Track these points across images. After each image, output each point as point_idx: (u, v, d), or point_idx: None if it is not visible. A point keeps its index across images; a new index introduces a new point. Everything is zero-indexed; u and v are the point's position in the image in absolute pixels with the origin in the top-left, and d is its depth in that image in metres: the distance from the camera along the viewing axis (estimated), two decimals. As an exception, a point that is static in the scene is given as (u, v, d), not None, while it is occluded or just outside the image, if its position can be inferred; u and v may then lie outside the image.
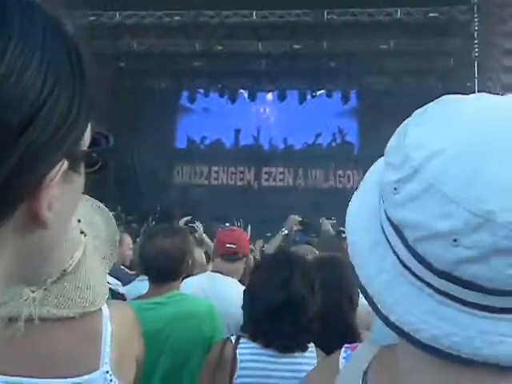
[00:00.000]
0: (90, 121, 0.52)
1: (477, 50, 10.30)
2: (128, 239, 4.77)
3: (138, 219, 13.05)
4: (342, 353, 0.82)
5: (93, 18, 11.28)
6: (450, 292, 0.58)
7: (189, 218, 7.67)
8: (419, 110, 0.65)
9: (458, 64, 12.05)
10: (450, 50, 12.01)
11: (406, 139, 0.62)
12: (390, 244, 0.63)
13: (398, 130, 0.66)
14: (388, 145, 0.67)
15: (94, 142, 0.55)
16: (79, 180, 0.53)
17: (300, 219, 4.60)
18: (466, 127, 0.59)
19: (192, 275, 2.90)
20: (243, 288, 2.99)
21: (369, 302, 0.65)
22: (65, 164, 0.47)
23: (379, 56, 12.44)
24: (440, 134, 0.59)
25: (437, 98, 0.65)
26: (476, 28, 10.41)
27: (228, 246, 2.91)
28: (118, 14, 11.34)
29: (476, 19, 10.40)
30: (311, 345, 1.94)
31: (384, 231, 0.64)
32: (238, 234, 3.10)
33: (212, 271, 2.98)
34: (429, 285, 0.59)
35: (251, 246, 7.11)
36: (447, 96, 0.65)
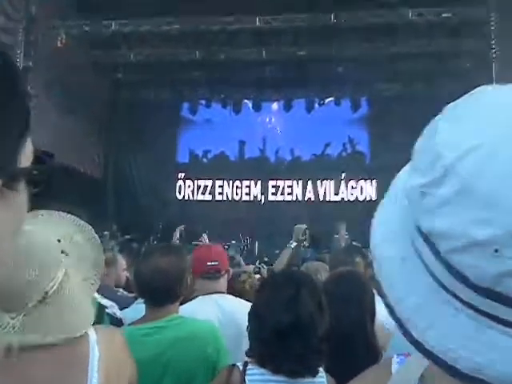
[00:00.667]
0: (26, 137, 0.52)
1: (494, 50, 10.28)
2: (121, 259, 4.76)
3: (139, 238, 13.06)
4: (395, 358, 0.80)
5: (87, 28, 11.37)
6: (492, 312, 0.53)
7: (182, 226, 7.64)
8: (450, 104, 0.61)
9: (474, 66, 12.03)
10: (465, 51, 12.00)
11: (437, 137, 0.58)
12: (420, 258, 0.59)
13: (425, 130, 0.62)
14: (415, 147, 0.63)
15: (38, 160, 0.55)
16: (18, 198, 0.52)
17: (305, 226, 4.56)
18: (505, 119, 0.54)
19: (192, 298, 2.85)
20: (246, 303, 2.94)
21: (397, 323, 0.60)
22: None
23: (389, 60, 12.46)
24: (475, 128, 0.55)
25: (452, 101, 0.62)
26: (493, 28, 10.39)
27: (209, 264, 2.88)
28: (114, 23, 11.42)
29: (493, 19, 10.39)
30: (321, 370, 1.93)
31: (414, 244, 0.61)
32: (218, 250, 3.05)
33: (196, 294, 2.92)
34: (466, 304, 0.55)
35: (257, 265, 7.04)
36: (480, 87, 0.61)
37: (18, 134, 0.50)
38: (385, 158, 13.31)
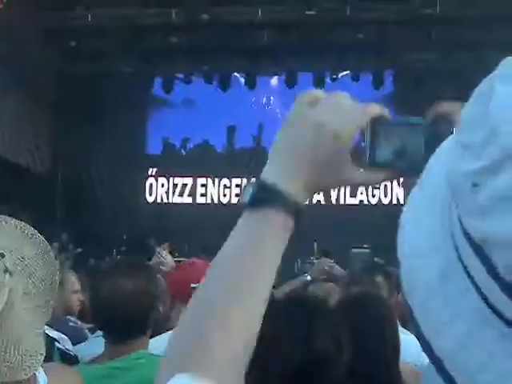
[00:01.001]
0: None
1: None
2: (72, 278, 4.74)
3: (97, 252, 13.02)
4: None
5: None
6: None
7: (167, 244, 7.63)
8: (506, 59, 0.58)
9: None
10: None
11: (492, 104, 0.54)
12: (467, 273, 0.56)
13: (476, 91, 0.58)
14: (461, 116, 0.59)
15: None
16: None
17: (331, 263, 4.61)
18: None
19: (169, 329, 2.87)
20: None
21: (433, 362, 0.58)
22: None
23: (422, 24, 12.50)
24: None
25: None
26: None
27: (194, 286, 2.87)
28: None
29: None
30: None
31: (459, 253, 0.57)
32: (202, 267, 3.05)
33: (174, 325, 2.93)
34: None
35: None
36: None
37: None
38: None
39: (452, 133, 0.81)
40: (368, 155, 0.87)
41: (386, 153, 0.88)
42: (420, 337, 0.59)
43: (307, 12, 12.42)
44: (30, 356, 1.34)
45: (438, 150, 0.69)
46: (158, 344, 2.58)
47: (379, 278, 3.54)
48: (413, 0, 11.86)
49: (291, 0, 12.44)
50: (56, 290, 1.49)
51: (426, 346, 0.58)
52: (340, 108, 0.85)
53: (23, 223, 1.51)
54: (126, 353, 2.30)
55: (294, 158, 0.85)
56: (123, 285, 2.30)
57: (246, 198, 0.86)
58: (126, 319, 2.29)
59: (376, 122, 0.88)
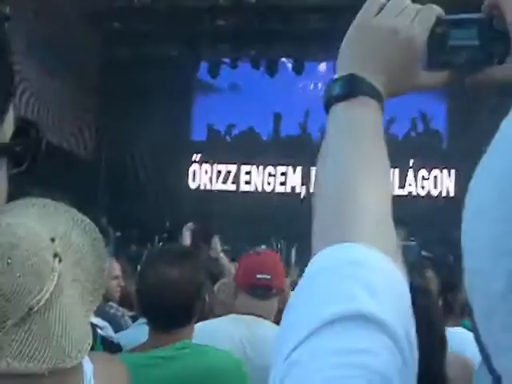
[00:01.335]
0: (9, 102, 0.54)
1: None
2: (115, 265, 4.79)
3: (139, 238, 13.17)
4: None
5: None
6: None
7: (191, 224, 7.65)
8: None
9: None
10: None
11: None
12: None
13: None
14: None
15: (18, 133, 0.57)
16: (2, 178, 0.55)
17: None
18: None
19: (211, 317, 2.88)
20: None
21: (491, 372, 0.53)
22: None
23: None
24: None
25: None
26: None
27: (259, 276, 2.88)
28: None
29: None
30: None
31: None
32: (273, 260, 3.06)
33: (236, 312, 2.96)
34: None
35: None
36: None
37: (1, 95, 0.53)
38: (468, 141, 13.12)
39: (505, 26, 0.86)
40: (429, 56, 0.91)
41: (445, 52, 0.91)
42: (479, 344, 0.54)
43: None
44: (78, 344, 1.34)
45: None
46: (203, 329, 2.60)
47: (430, 273, 3.50)
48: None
49: (342, -17, 12.30)
50: (104, 279, 1.50)
51: (485, 357, 0.53)
52: (407, 13, 0.89)
53: (73, 209, 1.51)
54: (171, 342, 2.31)
55: (372, 61, 0.89)
56: (170, 272, 2.31)
57: (332, 93, 0.88)
58: (171, 307, 2.30)
59: (434, 23, 0.91)
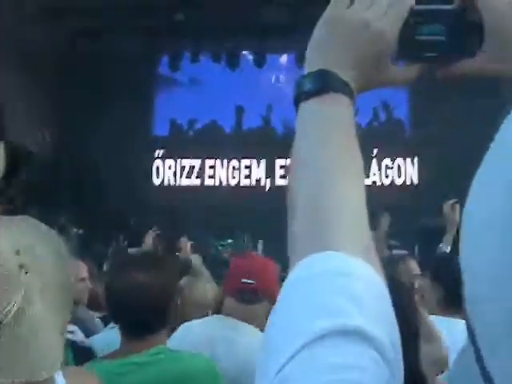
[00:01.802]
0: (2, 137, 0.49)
1: None
2: (81, 266, 4.68)
3: (105, 237, 13.06)
4: None
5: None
6: None
7: (153, 230, 7.61)
8: None
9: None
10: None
11: None
12: None
13: None
14: None
15: (9, 171, 0.52)
16: None
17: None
18: None
19: (186, 320, 2.86)
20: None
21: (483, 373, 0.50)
22: None
23: None
24: None
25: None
26: None
27: (244, 280, 2.88)
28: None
29: None
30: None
31: None
32: (259, 264, 3.07)
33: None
34: None
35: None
36: None
37: None
38: (431, 128, 13.29)
39: (478, 18, 0.84)
40: (399, 50, 0.89)
41: (416, 45, 0.89)
42: (475, 351, 0.51)
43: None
44: (49, 357, 1.32)
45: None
46: (182, 337, 2.58)
47: (402, 266, 3.53)
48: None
49: (301, -26, 12.33)
50: (73, 289, 1.48)
51: (479, 358, 0.50)
52: (379, 5, 0.87)
53: (36, 221, 1.49)
54: (145, 348, 2.30)
55: (342, 55, 0.87)
56: (141, 277, 2.29)
57: (302, 88, 0.87)
58: (144, 313, 2.28)
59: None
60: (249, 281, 2.88)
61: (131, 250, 6.64)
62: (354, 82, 0.86)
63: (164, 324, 2.36)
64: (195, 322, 2.94)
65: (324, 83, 0.85)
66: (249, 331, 2.83)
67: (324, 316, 0.62)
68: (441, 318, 2.83)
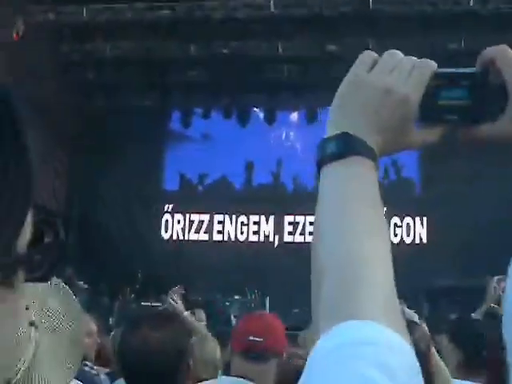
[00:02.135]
0: (31, 203, 0.52)
1: None
2: (90, 321, 4.63)
3: (111, 291, 12.98)
4: None
5: (53, 16, 11.52)
6: None
7: (180, 288, 7.54)
8: None
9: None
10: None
11: None
12: None
13: None
14: None
15: (36, 235, 0.54)
16: (14, 296, 0.53)
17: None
18: None
19: (200, 380, 2.82)
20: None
21: None
22: None
23: (446, 58, 12.51)
24: None
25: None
26: None
27: (252, 338, 2.85)
28: (85, 10, 11.58)
29: None
30: None
31: None
32: (268, 322, 3.03)
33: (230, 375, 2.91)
34: None
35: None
36: None
37: (23, 200, 0.50)
38: (441, 187, 13.27)
39: (502, 82, 0.85)
40: (421, 113, 0.88)
41: (438, 108, 0.89)
42: None
43: (327, 47, 12.49)
44: (58, 417, 1.28)
45: None
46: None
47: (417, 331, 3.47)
48: (437, 33, 11.89)
49: (312, 35, 12.50)
50: (81, 344, 1.44)
51: None
52: (402, 69, 0.87)
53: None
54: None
55: (365, 119, 0.87)
56: (153, 337, 2.26)
57: (325, 151, 0.87)
58: (155, 374, 2.25)
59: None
60: (257, 339, 2.85)
61: (145, 304, 6.57)
62: (376, 146, 0.86)
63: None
64: None
65: (348, 147, 0.85)
66: None
67: None
68: (464, 382, 2.81)
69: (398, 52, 0.90)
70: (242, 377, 2.83)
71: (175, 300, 5.58)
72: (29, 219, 0.52)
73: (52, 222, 0.57)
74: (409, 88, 0.86)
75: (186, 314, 5.26)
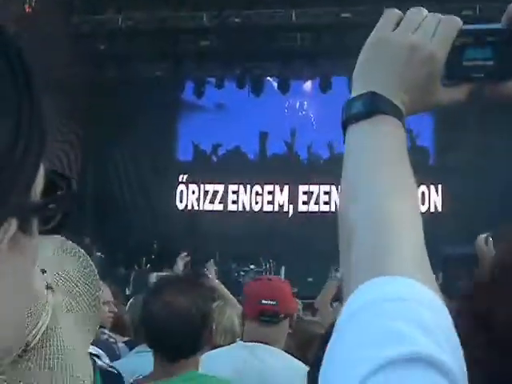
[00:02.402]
0: (42, 158, 0.54)
1: None
2: (105, 289, 4.66)
3: (127, 261, 13.07)
4: None
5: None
6: None
7: (184, 254, 7.58)
8: None
9: None
10: None
11: None
12: None
13: None
14: None
15: (49, 188, 0.57)
16: (32, 243, 0.54)
17: None
18: None
19: (216, 346, 2.85)
20: (299, 363, 2.92)
21: None
22: (12, 225, 0.48)
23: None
24: None
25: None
26: None
27: (265, 302, 2.88)
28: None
29: None
30: None
31: None
32: (279, 286, 3.07)
33: (243, 340, 2.94)
34: None
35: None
36: None
37: (36, 154, 0.51)
38: (456, 156, 13.20)
39: None
40: (447, 71, 0.87)
41: (464, 66, 0.88)
42: None
43: (342, 14, 12.38)
44: (78, 380, 1.29)
45: None
46: (212, 363, 2.56)
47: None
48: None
49: (326, 2, 12.39)
50: (99, 307, 1.46)
51: None
52: (427, 26, 0.86)
53: (62, 238, 1.47)
54: (178, 372, 2.29)
55: (391, 78, 0.86)
56: (177, 302, 2.28)
57: (351, 111, 0.86)
58: (178, 338, 2.28)
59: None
60: (271, 302, 2.88)
61: (160, 274, 6.63)
62: (402, 105, 0.86)
63: (197, 349, 2.35)
64: (219, 352, 2.92)
65: (375, 106, 0.84)
66: (278, 358, 2.83)
67: (391, 343, 0.59)
68: None
69: (423, 9, 0.88)
70: (256, 341, 2.86)
71: (210, 266, 5.65)
72: (41, 171, 0.53)
73: (64, 175, 0.58)
74: (434, 45, 0.85)
75: (217, 281, 5.31)
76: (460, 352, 0.63)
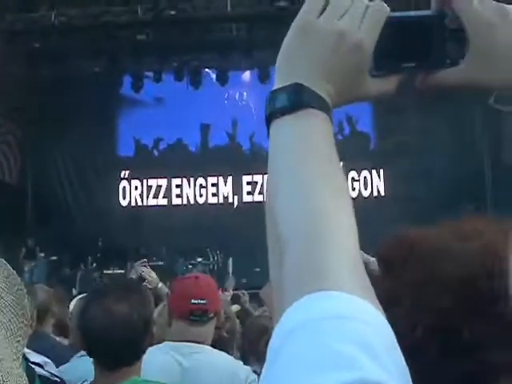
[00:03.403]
0: None
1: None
2: (47, 291, 4.54)
3: (72, 261, 12.89)
4: None
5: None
6: None
7: (140, 263, 7.49)
8: None
9: None
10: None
11: None
12: None
13: None
14: None
15: None
16: None
17: None
18: None
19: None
20: (232, 358, 2.89)
21: None
22: None
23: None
24: None
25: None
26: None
27: (194, 301, 2.82)
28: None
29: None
30: None
31: None
32: (207, 283, 3.00)
33: (172, 340, 2.88)
34: None
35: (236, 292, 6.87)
36: None
37: None
38: (395, 140, 13.39)
39: (459, 24, 0.79)
40: (375, 61, 0.81)
41: (393, 55, 0.83)
42: None
43: (277, 4, 12.38)
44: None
45: None
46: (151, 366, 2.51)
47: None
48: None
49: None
50: (27, 316, 1.40)
51: None
52: (354, 13, 0.80)
53: None
54: (119, 380, 2.22)
55: (316, 68, 0.80)
56: (116, 309, 2.21)
57: (275, 105, 0.79)
58: (119, 345, 2.21)
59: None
60: (200, 301, 2.84)
61: (108, 272, 6.54)
62: (329, 97, 0.80)
63: (139, 356, 2.29)
64: (152, 351, 2.86)
65: (300, 99, 0.78)
66: (211, 356, 2.81)
67: (335, 369, 0.54)
68: None
69: None
70: (186, 341, 2.82)
71: (147, 272, 5.55)
72: None
73: None
74: (363, 33, 0.79)
75: (160, 284, 5.23)
76: (407, 372, 0.58)
